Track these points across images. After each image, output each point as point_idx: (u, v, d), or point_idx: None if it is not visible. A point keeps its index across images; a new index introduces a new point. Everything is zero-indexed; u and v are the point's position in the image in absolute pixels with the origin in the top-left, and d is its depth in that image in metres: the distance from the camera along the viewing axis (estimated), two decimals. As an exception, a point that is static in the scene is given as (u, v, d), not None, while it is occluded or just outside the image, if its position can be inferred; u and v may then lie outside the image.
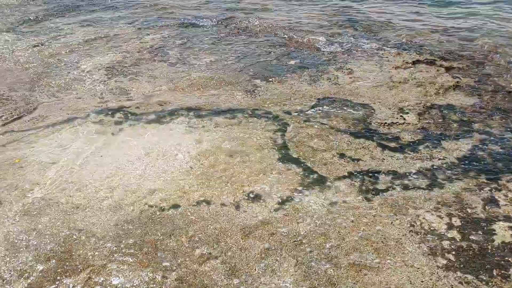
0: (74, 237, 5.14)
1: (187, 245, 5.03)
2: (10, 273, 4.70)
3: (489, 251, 4.95)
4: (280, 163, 6.41)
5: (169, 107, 7.81)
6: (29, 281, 4.60)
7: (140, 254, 4.92)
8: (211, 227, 5.28)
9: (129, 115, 7.60)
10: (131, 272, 4.69)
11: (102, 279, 4.62)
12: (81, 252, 4.95)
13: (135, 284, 4.56)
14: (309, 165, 6.37)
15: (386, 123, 7.36)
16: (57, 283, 4.57)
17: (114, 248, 4.99)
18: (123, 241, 5.08)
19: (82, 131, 7.17)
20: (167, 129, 7.21)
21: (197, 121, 7.45)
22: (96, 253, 4.93)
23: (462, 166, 6.33)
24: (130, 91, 8.41)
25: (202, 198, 5.75)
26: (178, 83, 8.81)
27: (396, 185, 5.96)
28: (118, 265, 4.78)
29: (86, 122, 7.39)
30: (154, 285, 4.56)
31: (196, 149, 6.72)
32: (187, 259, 4.85)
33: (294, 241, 5.06)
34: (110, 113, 7.65)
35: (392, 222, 5.34)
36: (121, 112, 7.68)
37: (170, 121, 7.46)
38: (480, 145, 6.81)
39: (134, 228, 5.27)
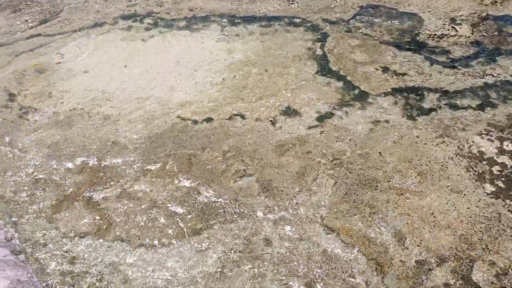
0: (106, 149, 5.01)
1: (220, 160, 4.84)
2: (45, 185, 4.66)
3: (543, 178, 4.62)
4: (319, 76, 6.00)
5: (201, 13, 7.31)
6: (62, 191, 4.55)
7: (174, 167, 4.78)
8: (246, 143, 5.05)
9: (159, 21, 7.16)
10: (164, 186, 4.57)
11: (133, 190, 4.53)
12: (113, 164, 4.83)
13: (167, 198, 4.46)
14: (349, 79, 5.94)
15: (435, 35, 6.74)
16: (89, 194, 4.51)
17: (145, 161, 4.85)
18: (155, 154, 4.93)
19: (110, 38, 6.81)
20: (198, 37, 6.78)
21: (230, 28, 6.97)
22: (128, 165, 4.81)
23: (518, 85, 5.80)
24: (159, -6, 7.89)
25: (235, 112, 5.47)
26: (210, -14, 8.22)
27: (444, 104, 5.53)
28: (151, 178, 4.66)
29: (114, 29, 7.01)
30: (188, 198, 4.45)
31: (229, 59, 6.33)
32: (220, 175, 4.69)
33: (333, 161, 4.81)
34: (139, 18, 7.22)
35: (437, 144, 5.00)
36: (150, 17, 7.24)
37: (202, 28, 7.00)
38: (539, 62, 6.20)
39: (166, 141, 5.08)
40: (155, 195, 4.49)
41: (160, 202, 4.44)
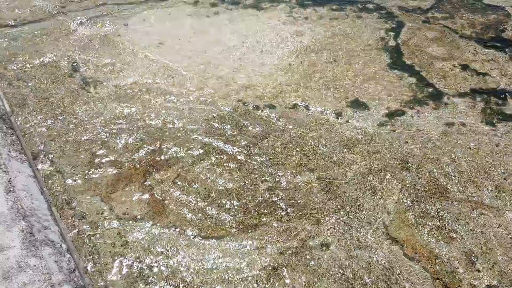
0: (165, 128, 4.89)
1: (280, 151, 4.62)
2: (103, 163, 4.60)
3: None
4: (391, 70, 5.61)
5: (270, -9, 7.02)
6: (119, 170, 4.47)
7: (230, 156, 4.60)
8: (309, 135, 4.80)
9: (226, -3, 6.94)
10: (220, 176, 4.41)
11: (191, 175, 4.40)
12: (172, 145, 4.71)
13: (228, 187, 4.30)
14: (424, 75, 5.53)
15: (523, 32, 6.17)
16: (147, 175, 4.41)
17: (205, 144, 4.69)
18: (214, 140, 4.76)
19: (175, 12, 6.65)
20: (266, 17, 6.51)
21: (299, 10, 6.64)
22: (186, 148, 4.67)
23: None
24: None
25: (300, 101, 5.21)
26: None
27: (529, 111, 5.05)
28: (209, 165, 4.51)
29: (179, 2, 6.83)
30: (243, 191, 4.27)
31: (296, 43, 6.04)
32: (281, 168, 4.47)
33: (401, 163, 4.49)
34: (206, -7, 7.02)
35: (519, 156, 4.57)
36: (217, -7, 7.03)
37: (270, 7, 6.71)
38: None
39: (226, 125, 4.90)
40: (211, 183, 4.34)
41: (216, 190, 4.28)
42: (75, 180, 4.32)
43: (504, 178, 4.35)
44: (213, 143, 4.71)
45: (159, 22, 6.46)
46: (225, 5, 6.79)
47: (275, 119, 4.98)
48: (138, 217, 4.02)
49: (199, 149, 4.64)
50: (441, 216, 4.04)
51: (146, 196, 4.20)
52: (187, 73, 5.57)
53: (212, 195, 4.22)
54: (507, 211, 4.07)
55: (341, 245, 3.83)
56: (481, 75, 5.49)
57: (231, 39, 6.09)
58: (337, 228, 3.95)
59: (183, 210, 4.09)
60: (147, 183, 4.32)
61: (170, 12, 6.64)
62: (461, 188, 4.26)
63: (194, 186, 4.29)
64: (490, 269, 3.67)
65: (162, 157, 4.57)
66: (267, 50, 5.91)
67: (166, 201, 4.17)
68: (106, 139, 4.73)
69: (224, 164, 4.49)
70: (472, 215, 4.05)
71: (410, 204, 4.13)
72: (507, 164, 4.47)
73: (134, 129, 4.86)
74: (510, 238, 3.88)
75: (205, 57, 5.80)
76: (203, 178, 4.37)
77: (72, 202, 4.12)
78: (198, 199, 4.19)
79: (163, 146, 4.67)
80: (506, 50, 5.88)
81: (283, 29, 6.29)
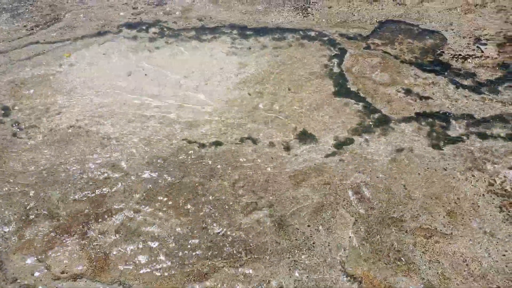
0: (105, 174, 4.59)
1: (230, 191, 4.42)
2: (36, 211, 4.24)
3: None
4: (337, 97, 5.58)
5: (210, 24, 6.89)
6: (56, 223, 4.13)
7: (179, 199, 4.36)
8: (258, 171, 4.63)
9: (165, 30, 6.74)
10: (167, 223, 4.15)
11: (135, 225, 4.12)
12: (112, 193, 4.41)
13: (170, 234, 4.04)
14: (370, 101, 5.52)
15: (460, 55, 6.32)
16: (88, 227, 4.09)
17: (147, 191, 4.43)
18: (158, 183, 4.51)
19: (114, 48, 6.39)
20: (208, 49, 6.37)
21: (242, 41, 6.55)
22: (127, 196, 4.39)
23: (551, 113, 5.38)
24: (166, 1, 7.46)
25: (247, 135, 5.05)
26: (220, -6, 7.79)
27: (472, 132, 5.11)
28: (154, 210, 4.24)
29: (118, 38, 6.59)
30: (194, 235, 4.03)
31: (240, 74, 5.92)
32: (231, 208, 4.27)
33: (353, 195, 4.39)
34: (144, 28, 6.80)
35: (467, 179, 4.58)
36: (157, 27, 6.82)
37: (212, 40, 6.58)
38: None
39: (171, 167, 4.66)
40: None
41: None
42: (5, 239, 3.93)
43: (455, 203, 4.34)
44: (157, 186, 4.45)
45: (95, 60, 6.18)
46: (165, 38, 6.60)
47: (222, 156, 4.79)
48: (79, 275, 3.69)
49: (143, 193, 4.37)
50: (397, 247, 3.95)
51: (88, 249, 3.88)
52: (128, 112, 5.31)
53: (158, 241, 3.95)
54: (460, 237, 4.04)
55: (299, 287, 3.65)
56: (423, 99, 5.55)
57: (174, 74, 5.89)
58: (292, 270, 3.77)
59: (128, 263, 3.80)
60: (88, 234, 4.00)
61: (107, 48, 6.37)
62: (414, 217, 4.20)
63: (139, 235, 4.01)
64: (450, 300, 3.59)
65: (104, 206, 4.26)
66: (211, 84, 5.74)
67: (109, 254, 3.86)
68: (41, 189, 4.38)
69: (170, 209, 4.24)
70: (427, 244, 3.99)
71: (365, 237, 4.02)
72: (456, 189, 4.46)
73: (72, 176, 4.54)
74: (466, 265, 3.83)
75: (146, 96, 5.56)
76: (148, 224, 4.10)
77: (3, 264, 3.73)
78: (144, 247, 3.91)
79: (104, 193, 4.37)
80: (445, 73, 5.99)
81: (227, 61, 6.16)
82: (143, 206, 4.25)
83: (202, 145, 4.91)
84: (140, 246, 3.92)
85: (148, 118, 5.21)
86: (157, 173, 4.57)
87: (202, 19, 7.04)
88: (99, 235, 4.01)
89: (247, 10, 7.29)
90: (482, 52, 6.42)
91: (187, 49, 6.38)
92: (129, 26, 6.87)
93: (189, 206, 4.25)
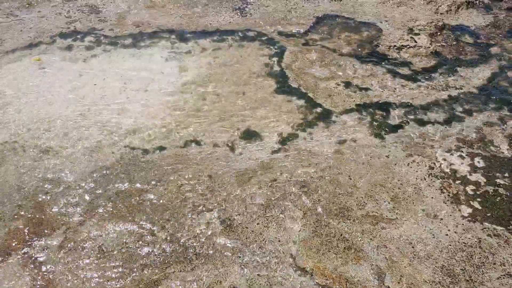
0: (45, 189, 4.40)
1: (177, 195, 4.34)
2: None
3: (518, 196, 4.40)
4: (279, 94, 5.61)
5: (148, 29, 6.78)
6: (-7, 243, 3.92)
7: (123, 207, 4.24)
8: (204, 173, 4.58)
9: (102, 38, 6.56)
10: (113, 232, 4.02)
11: (79, 236, 3.97)
12: (53, 207, 4.23)
13: (118, 244, 3.92)
14: (311, 96, 5.59)
15: (395, 45, 6.51)
16: (29, 244, 3.90)
17: (92, 201, 4.28)
18: (102, 192, 4.37)
19: (48, 59, 6.16)
20: (146, 55, 6.26)
21: (181, 45, 6.48)
22: (71, 208, 4.23)
23: (482, 96, 5.62)
24: (101, 8, 7.28)
25: (191, 138, 4.99)
26: (156, -1, 7.68)
27: (411, 119, 5.26)
28: (99, 221, 4.10)
29: (52, 48, 6.36)
30: (140, 244, 3.93)
31: (181, 78, 5.85)
32: (179, 212, 4.19)
33: (300, 189, 4.41)
34: (79, 36, 6.59)
35: (408, 164, 4.71)
36: (92, 35, 6.63)
37: (150, 45, 6.48)
38: (500, 72, 6.07)
39: (115, 176, 4.53)
40: (103, 241, 3.94)
41: (109, 249, 3.88)
42: None
43: (399, 188, 4.44)
44: (101, 196, 4.31)
45: (30, 74, 5.93)
46: (102, 46, 6.43)
47: (166, 160, 4.70)
48: (19, 296, 3.51)
49: (86, 204, 4.23)
50: (346, 237, 4.00)
51: (29, 269, 3.70)
52: (67, 123, 5.12)
53: (105, 253, 3.83)
54: (405, 221, 4.14)
55: (252, 286, 3.62)
56: (363, 90, 5.67)
57: (113, 82, 5.74)
58: (246, 270, 3.74)
59: (74, 278, 3.65)
60: (28, 253, 3.82)
61: (43, 59, 6.13)
62: (360, 205, 4.27)
63: (84, 248, 3.86)
64: (398, 282, 3.66)
65: (45, 220, 4.09)
66: (151, 89, 5.64)
67: (53, 272, 3.70)
68: (-26, 211, 4.16)
69: (116, 218, 4.11)
70: (374, 230, 4.06)
71: (314, 229, 4.05)
72: (399, 174, 4.58)
73: (8, 191, 4.33)
74: (412, 247, 3.93)
75: (86, 105, 5.38)
76: (93, 236, 3.96)
77: None
78: (90, 260, 3.77)
79: (45, 207, 4.19)
80: (382, 64, 6.15)
81: (167, 65, 6.07)
82: (87, 218, 4.10)
83: (146, 151, 4.80)
84: (87, 260, 3.78)
85: (89, 127, 5.06)
86: (100, 182, 4.43)
87: (139, 25, 6.92)
88: (41, 252, 3.84)
89: (185, 14, 7.22)
90: (416, 42, 6.64)
91: (125, 56, 6.24)
92: (63, 35, 6.64)
93: (135, 213, 4.14)
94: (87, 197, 4.31)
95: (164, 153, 4.80)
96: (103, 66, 6.03)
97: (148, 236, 3.98)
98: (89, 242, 3.93)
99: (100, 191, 4.36)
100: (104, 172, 4.56)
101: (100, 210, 4.18)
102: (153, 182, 4.46)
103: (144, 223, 4.08)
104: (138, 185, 4.43)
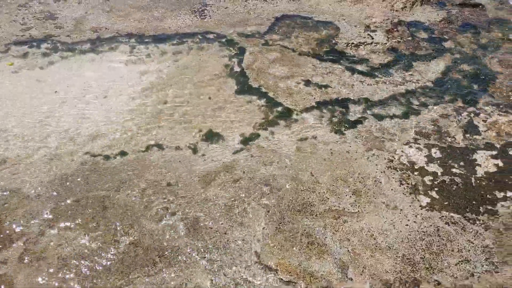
0: (2, 200, 4.30)
1: (140, 200, 4.32)
2: None
3: (474, 184, 4.55)
4: (240, 95, 5.63)
5: (106, 34, 6.70)
6: (-51, 259, 3.81)
7: (84, 214, 4.18)
8: (166, 176, 4.56)
9: (59, 45, 6.45)
10: (75, 241, 3.97)
11: (40, 249, 3.89)
12: (11, 218, 4.14)
13: (80, 252, 3.87)
14: (272, 95, 5.64)
15: (353, 43, 6.64)
16: (-16, 259, 3.81)
17: (51, 211, 4.21)
18: (62, 201, 4.30)
19: (2, 67, 6.02)
20: (106, 61, 6.19)
21: (140, 49, 6.43)
22: (30, 217, 4.14)
23: (437, 89, 5.79)
24: (57, 15, 7.15)
25: (153, 142, 4.96)
26: (113, 4, 7.59)
27: (370, 114, 5.38)
28: (60, 231, 4.04)
29: (6, 57, 6.21)
30: (104, 251, 3.89)
31: (141, 82, 5.80)
32: (142, 217, 4.17)
33: (263, 187, 4.45)
34: (35, 44, 6.46)
35: (368, 158, 4.81)
36: (49, 42, 6.51)
37: (109, 50, 6.40)
38: (453, 65, 6.26)
39: (76, 184, 4.47)
40: (64, 250, 3.87)
41: (71, 258, 3.82)
42: None
43: (360, 182, 4.53)
44: (61, 204, 4.24)
45: (-16, 82, 5.79)
46: (59, 53, 6.32)
47: (128, 165, 4.67)
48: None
49: (47, 214, 4.15)
50: (309, 232, 4.06)
51: (-14, 283, 3.62)
52: (25, 132, 5.01)
53: (67, 264, 3.77)
54: (366, 214, 4.22)
55: (217, 286, 3.63)
56: (323, 88, 5.76)
57: (72, 89, 5.65)
58: (210, 271, 3.75)
59: (33, 289, 3.59)
60: (-14, 267, 3.73)
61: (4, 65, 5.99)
62: (322, 200, 4.34)
63: (46, 259, 3.80)
64: (361, 274, 3.74)
65: (4, 232, 3.99)
66: (111, 94, 5.58)
67: (12, 284, 3.62)
68: None
69: (78, 227, 4.06)
70: (337, 224, 4.13)
71: (278, 226, 4.09)
72: (359, 169, 4.67)
73: (-36, 207, 4.22)
74: (374, 239, 4.01)
75: (44, 113, 5.28)
76: (55, 246, 3.90)
77: None
78: (52, 271, 3.71)
79: (2, 219, 4.09)
80: (341, 61, 6.26)
81: (126, 70, 6.02)
82: (48, 228, 4.03)
83: (107, 157, 4.75)
84: (49, 270, 3.71)
85: (48, 135, 4.96)
86: (61, 191, 4.36)
87: (97, 30, 6.83)
88: (1, 265, 3.75)
89: (143, 18, 7.17)
90: (373, 39, 6.78)
91: (84, 62, 6.16)
92: (18, 43, 6.50)
93: (97, 221, 4.10)
94: (47, 206, 4.23)
95: (125, 158, 4.75)
96: (61, 73, 5.92)
97: (111, 242, 3.94)
98: (50, 252, 3.86)
99: (60, 200, 4.29)
100: (64, 180, 4.49)
101: (61, 219, 4.11)
102: (115, 188, 4.42)
103: (106, 229, 4.03)
104: (99, 191, 4.38)
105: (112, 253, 3.86)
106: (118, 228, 4.05)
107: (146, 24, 7.01)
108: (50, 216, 4.14)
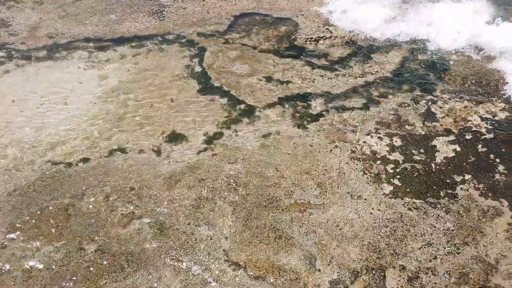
0: (-40, 214, 4.18)
1: (105, 206, 4.26)
2: None
3: (434, 170, 4.68)
4: (202, 95, 5.63)
5: (63, 40, 6.57)
6: None
7: (48, 223, 4.10)
8: (131, 180, 4.52)
9: (14, 53, 6.29)
10: (39, 252, 3.89)
11: (2, 261, 3.80)
12: (-29, 232, 4.03)
13: (45, 261, 3.80)
14: (234, 94, 5.65)
15: (312, 38, 6.71)
16: None
17: (12, 223, 4.11)
18: (24, 212, 4.20)
19: (-44, 77, 5.85)
20: (63, 67, 6.07)
21: (99, 53, 6.34)
22: (-8, 231, 4.05)
23: (395, 79, 5.92)
24: (10, 22, 6.97)
25: (115, 147, 4.91)
26: (69, 8, 7.44)
27: (331, 107, 5.45)
28: (22, 242, 3.95)
29: (-41, 66, 6.03)
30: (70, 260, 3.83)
31: (101, 87, 5.73)
32: (108, 223, 4.12)
33: (228, 185, 4.46)
34: (-12, 52, 6.30)
35: (331, 150, 4.88)
36: (3, 50, 6.34)
37: (66, 56, 6.29)
38: (410, 56, 6.41)
39: (38, 193, 4.38)
40: (28, 262, 3.79)
41: (35, 269, 3.75)
42: None
43: (323, 174, 4.59)
44: (24, 215, 4.15)
45: None
46: (15, 61, 6.17)
47: (91, 172, 4.60)
48: None
49: (7, 226, 4.06)
50: (276, 226, 4.09)
51: None
52: (-21, 144, 4.89)
53: (31, 273, 3.70)
54: (331, 205, 4.29)
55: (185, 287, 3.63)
56: (284, 84, 5.80)
57: (29, 96, 5.53)
58: (177, 271, 3.74)
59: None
60: None
61: None
62: (288, 194, 4.38)
63: (8, 271, 3.71)
64: (328, 264, 3.80)
65: (-38, 249, 3.89)
66: (71, 101, 5.48)
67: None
68: None
69: (41, 237, 3.98)
70: (303, 217, 4.18)
71: (245, 223, 4.11)
72: (323, 161, 4.73)
73: None
74: (340, 229, 4.08)
75: (1, 121, 5.15)
76: (18, 257, 3.81)
77: None
78: (17, 282, 3.63)
79: (-39, 236, 3.98)
80: (301, 57, 6.33)
81: (85, 75, 5.92)
82: (9, 240, 3.94)
83: (69, 164, 4.67)
84: (13, 284, 3.63)
85: (6, 145, 4.85)
86: (21, 202, 4.26)
87: (53, 36, 6.70)
88: (-38, 282, 3.65)
89: (100, 21, 7.07)
90: (331, 33, 6.87)
91: (40, 69, 6.03)
92: (-29, 53, 6.32)
93: (61, 229, 4.03)
94: (8, 218, 4.13)
95: (88, 165, 4.69)
96: (17, 82, 5.78)
97: (77, 250, 3.88)
98: (12, 264, 3.77)
99: (22, 210, 4.19)
100: (26, 190, 4.39)
101: (24, 229, 4.02)
102: (78, 195, 4.35)
103: (71, 237, 3.97)
104: (62, 199, 4.31)
105: (78, 261, 3.80)
106: (83, 236, 4.00)
107: (103, 28, 6.91)
108: (11, 228, 4.05)
